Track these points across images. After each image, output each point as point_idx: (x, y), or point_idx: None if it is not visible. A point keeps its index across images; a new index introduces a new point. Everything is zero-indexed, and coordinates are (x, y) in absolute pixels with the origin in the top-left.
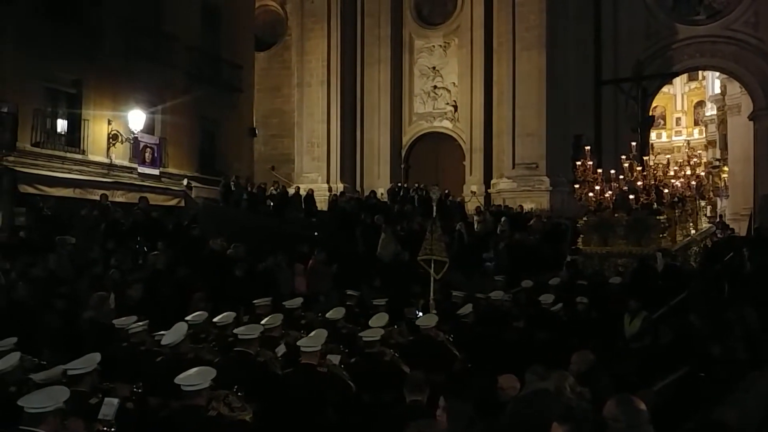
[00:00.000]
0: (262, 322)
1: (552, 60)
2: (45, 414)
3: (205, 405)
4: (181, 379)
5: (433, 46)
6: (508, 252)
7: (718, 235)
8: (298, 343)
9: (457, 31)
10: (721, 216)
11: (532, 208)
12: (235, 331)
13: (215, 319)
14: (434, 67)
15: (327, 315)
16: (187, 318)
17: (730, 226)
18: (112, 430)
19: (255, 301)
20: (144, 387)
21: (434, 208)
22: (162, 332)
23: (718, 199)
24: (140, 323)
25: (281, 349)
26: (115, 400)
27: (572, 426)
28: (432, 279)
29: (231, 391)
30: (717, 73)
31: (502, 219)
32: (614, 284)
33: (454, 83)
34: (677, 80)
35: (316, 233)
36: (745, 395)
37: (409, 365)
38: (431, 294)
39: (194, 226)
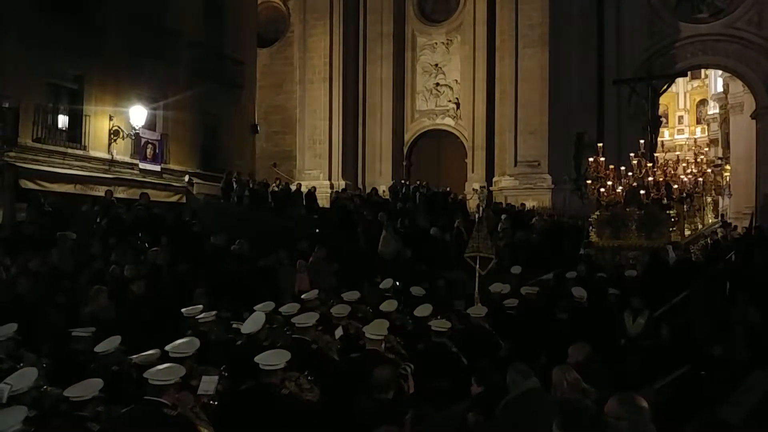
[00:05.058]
0: (331, 310)
1: (554, 58)
2: (167, 386)
3: (278, 384)
4: (260, 358)
5: (436, 43)
6: (509, 250)
7: (719, 234)
8: (364, 329)
9: (459, 29)
10: (723, 215)
11: (534, 206)
12: (293, 320)
13: (280, 309)
14: (437, 64)
15: (380, 307)
16: (257, 307)
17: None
18: (215, 402)
19: (303, 296)
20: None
21: (481, 208)
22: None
23: (720, 197)
24: (210, 313)
25: (339, 332)
26: (215, 377)
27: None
28: (477, 274)
29: (301, 373)
30: (719, 72)
31: (503, 217)
32: (629, 277)
33: (456, 80)
34: (680, 79)
35: (317, 230)
36: (747, 394)
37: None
38: (476, 288)
39: (195, 223)
